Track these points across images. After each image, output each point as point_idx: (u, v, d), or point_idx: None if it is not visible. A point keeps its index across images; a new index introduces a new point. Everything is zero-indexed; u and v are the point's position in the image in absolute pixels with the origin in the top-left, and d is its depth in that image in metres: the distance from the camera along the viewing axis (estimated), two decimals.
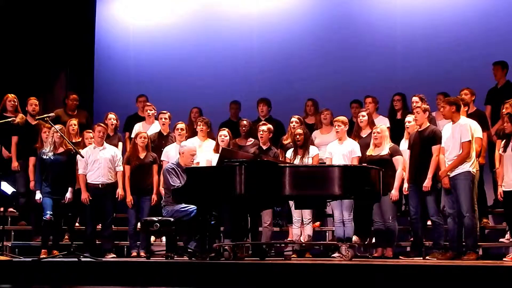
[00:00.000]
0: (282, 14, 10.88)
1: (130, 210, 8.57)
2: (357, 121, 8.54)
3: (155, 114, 9.32)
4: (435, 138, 7.58)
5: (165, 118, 9.03)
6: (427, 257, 7.50)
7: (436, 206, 7.59)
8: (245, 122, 8.84)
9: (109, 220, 8.56)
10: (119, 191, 8.54)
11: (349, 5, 10.69)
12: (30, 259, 7.20)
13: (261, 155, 7.73)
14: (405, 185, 7.85)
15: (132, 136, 9.06)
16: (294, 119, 8.66)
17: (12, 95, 9.16)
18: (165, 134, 9.07)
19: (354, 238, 8.01)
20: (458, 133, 7.32)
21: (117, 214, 8.88)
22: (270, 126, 8.53)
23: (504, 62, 8.69)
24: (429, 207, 7.60)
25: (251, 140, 8.71)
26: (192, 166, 7.68)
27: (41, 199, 8.22)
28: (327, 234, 8.89)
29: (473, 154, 7.32)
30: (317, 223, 8.80)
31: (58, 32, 10.77)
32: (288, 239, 8.52)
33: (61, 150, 8.32)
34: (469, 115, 8.01)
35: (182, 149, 7.88)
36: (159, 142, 8.96)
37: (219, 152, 7.67)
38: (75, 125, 8.93)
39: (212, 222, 7.53)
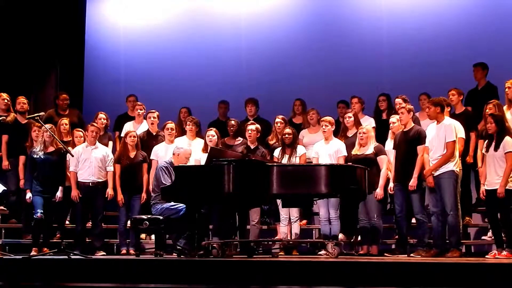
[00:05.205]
0: (270, 15, 10.97)
1: (121, 208, 8.62)
2: (343, 121, 8.65)
3: (145, 113, 9.40)
4: (420, 138, 7.70)
5: (154, 117, 9.08)
6: (411, 254, 7.62)
7: (421, 205, 7.71)
8: (233, 122, 8.93)
9: (99, 218, 8.62)
10: (109, 190, 8.60)
11: (336, 7, 10.78)
12: (20, 257, 7.17)
13: (249, 154, 7.81)
14: (391, 184, 7.97)
15: (122, 135, 9.13)
16: (279, 119, 8.79)
17: (5, 94, 9.21)
18: (153, 133, 9.14)
19: (340, 236, 8.10)
20: (443, 133, 7.45)
21: (107, 212, 8.91)
22: (258, 125, 8.63)
23: (484, 64, 8.76)
24: (414, 206, 7.71)
25: (239, 140, 8.80)
26: (181, 165, 7.75)
27: (30, 199, 8.25)
28: (313, 232, 8.99)
29: (457, 153, 7.46)
30: (304, 221, 8.90)
31: (48, 32, 10.77)
32: (275, 237, 8.63)
33: (51, 149, 8.35)
34: (457, 115, 8.15)
35: (178, 151, 7.93)
36: (148, 141, 9.00)
37: (208, 151, 7.76)
38: (66, 124, 8.98)
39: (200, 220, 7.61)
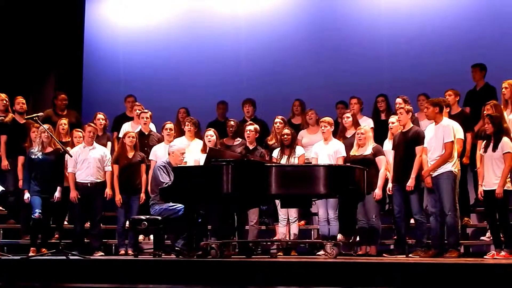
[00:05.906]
0: (269, 15, 10.95)
1: (119, 208, 8.61)
2: (342, 122, 8.65)
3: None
4: (419, 138, 7.71)
5: (146, 118, 9.06)
6: (410, 255, 7.62)
7: (419, 205, 7.72)
8: (232, 122, 8.93)
9: (98, 218, 8.62)
10: (108, 191, 8.60)
11: (336, 7, 10.77)
12: (19, 257, 7.20)
13: (248, 155, 7.81)
14: (389, 185, 7.98)
15: (120, 135, 9.11)
16: (278, 119, 8.78)
17: (3, 94, 9.20)
18: (146, 133, 9.13)
19: (339, 236, 8.10)
20: (441, 134, 7.46)
21: (106, 213, 8.91)
22: (256, 126, 8.64)
23: (483, 65, 8.78)
24: (413, 206, 7.72)
25: (238, 140, 8.80)
26: (180, 165, 7.75)
27: (29, 199, 8.24)
28: (312, 232, 8.98)
29: (455, 154, 7.47)
30: (303, 222, 8.90)
31: (48, 33, 10.76)
32: (274, 237, 8.62)
33: (49, 149, 8.34)
34: (453, 116, 8.14)
35: (171, 149, 7.95)
36: (140, 140, 8.95)
37: (207, 152, 7.76)
38: (65, 124, 8.98)
39: (199, 220, 7.61)
